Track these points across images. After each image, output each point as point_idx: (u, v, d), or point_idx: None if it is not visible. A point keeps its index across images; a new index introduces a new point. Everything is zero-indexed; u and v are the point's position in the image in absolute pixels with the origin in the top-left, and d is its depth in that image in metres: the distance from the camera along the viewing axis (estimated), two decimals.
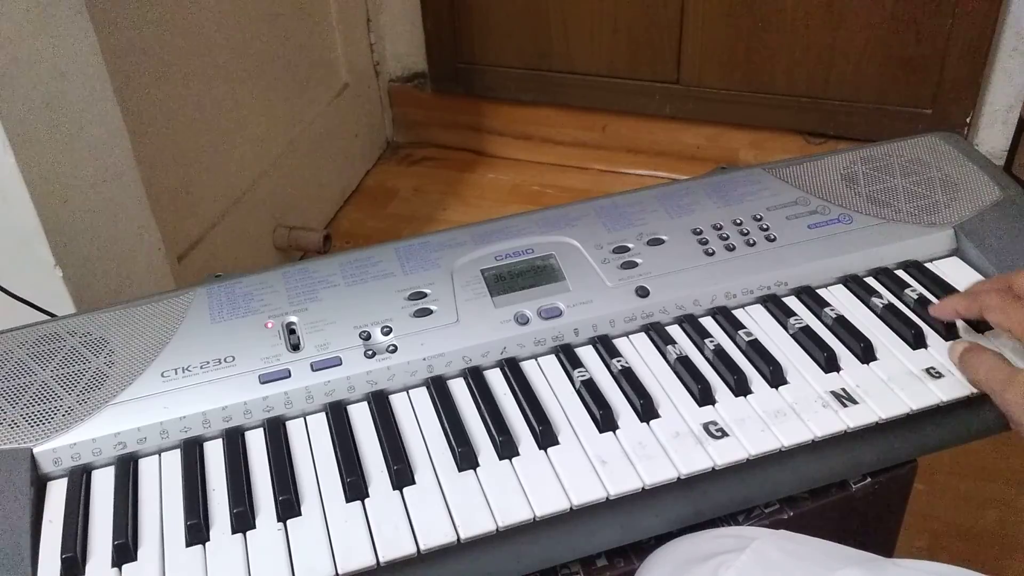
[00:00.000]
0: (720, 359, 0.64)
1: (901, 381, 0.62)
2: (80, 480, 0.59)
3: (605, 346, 0.66)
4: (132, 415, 0.60)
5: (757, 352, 0.64)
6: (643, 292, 0.68)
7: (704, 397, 0.61)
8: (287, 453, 0.60)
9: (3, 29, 0.81)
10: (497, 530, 0.54)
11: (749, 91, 1.68)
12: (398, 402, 0.63)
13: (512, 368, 0.64)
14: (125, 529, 0.55)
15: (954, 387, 0.61)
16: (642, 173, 1.80)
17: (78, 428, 0.60)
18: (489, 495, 0.56)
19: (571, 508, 0.55)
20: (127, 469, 0.59)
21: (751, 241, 0.72)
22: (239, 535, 0.55)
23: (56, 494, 0.58)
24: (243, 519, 0.55)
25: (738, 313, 0.69)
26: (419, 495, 0.56)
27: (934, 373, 0.62)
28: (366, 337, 0.65)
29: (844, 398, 0.61)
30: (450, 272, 0.69)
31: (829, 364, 0.63)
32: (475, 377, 0.64)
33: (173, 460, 0.60)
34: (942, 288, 0.69)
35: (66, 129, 0.90)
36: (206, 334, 0.65)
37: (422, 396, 0.63)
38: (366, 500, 0.56)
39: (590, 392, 0.62)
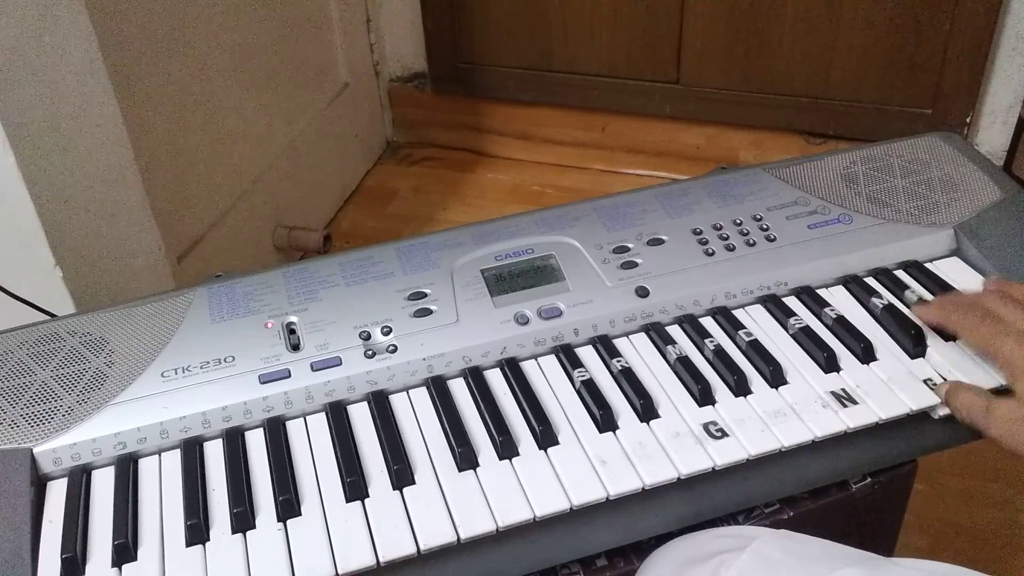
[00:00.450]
0: (720, 359, 0.64)
1: (901, 381, 0.62)
2: (80, 480, 0.59)
3: (605, 346, 0.66)
4: (132, 415, 0.60)
5: (757, 352, 0.64)
6: (643, 292, 0.68)
7: (704, 397, 0.61)
8: (287, 453, 0.60)
9: (3, 29, 0.81)
10: (497, 530, 0.54)
11: (749, 91, 1.68)
12: (398, 402, 0.63)
13: (512, 368, 0.64)
14: (125, 529, 0.55)
15: None
16: (642, 173, 1.80)
17: (78, 428, 0.60)
18: (489, 495, 0.56)
19: (571, 508, 0.55)
20: (127, 469, 0.59)
21: (751, 241, 0.72)
22: (239, 535, 0.55)
23: (56, 494, 0.58)
24: (243, 519, 0.55)
25: (738, 313, 0.69)
26: (419, 495, 0.56)
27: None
28: (366, 337, 0.65)
29: (844, 398, 0.61)
30: (450, 272, 0.69)
31: (829, 364, 0.63)
32: (475, 377, 0.64)
33: (173, 460, 0.60)
34: (942, 288, 0.69)
35: (66, 129, 0.90)
36: (206, 334, 0.65)
37: (422, 396, 0.63)
38: (366, 500, 0.56)
39: (590, 392, 0.62)
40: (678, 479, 0.56)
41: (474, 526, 0.54)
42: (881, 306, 0.68)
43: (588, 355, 0.66)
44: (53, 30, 0.87)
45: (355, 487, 0.57)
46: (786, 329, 0.67)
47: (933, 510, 1.14)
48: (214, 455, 0.60)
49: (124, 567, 0.54)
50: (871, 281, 0.71)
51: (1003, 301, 0.62)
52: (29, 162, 0.86)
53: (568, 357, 0.65)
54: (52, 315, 0.86)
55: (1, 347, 0.65)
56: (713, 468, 0.57)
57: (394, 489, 0.57)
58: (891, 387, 0.62)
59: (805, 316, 0.68)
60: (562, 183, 1.79)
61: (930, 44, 1.54)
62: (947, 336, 0.65)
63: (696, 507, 0.58)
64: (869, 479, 0.62)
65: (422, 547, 0.53)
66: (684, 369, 0.63)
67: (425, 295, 0.68)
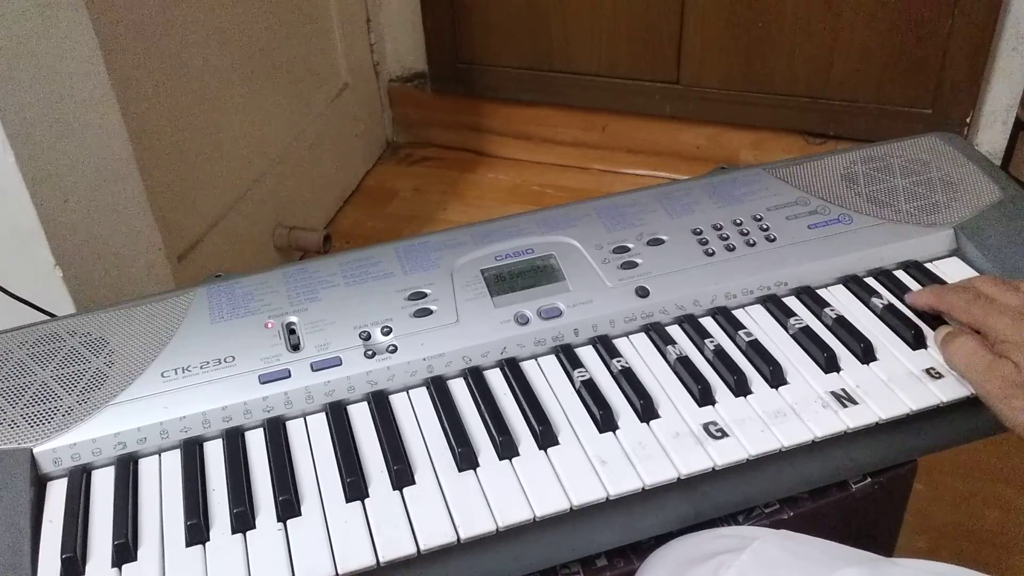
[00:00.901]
0: (720, 359, 0.64)
1: (901, 381, 0.62)
2: (80, 480, 0.59)
3: (605, 346, 0.66)
4: (132, 415, 0.60)
5: (757, 352, 0.64)
6: (643, 292, 0.68)
7: (704, 397, 0.61)
8: (287, 453, 0.60)
9: (3, 29, 0.81)
10: (497, 530, 0.54)
11: (749, 91, 1.68)
12: (398, 402, 0.63)
13: (512, 368, 0.64)
14: (125, 529, 0.55)
15: (954, 387, 0.61)
16: (642, 173, 1.80)
17: (78, 428, 0.60)
18: (489, 495, 0.56)
19: (571, 508, 0.55)
20: (127, 469, 0.59)
21: (751, 241, 0.72)
22: (239, 535, 0.55)
23: (56, 494, 0.58)
24: (243, 519, 0.55)
25: (738, 313, 0.69)
26: (419, 495, 0.56)
27: (934, 373, 0.62)
28: (366, 337, 0.65)
29: (844, 398, 0.61)
30: (450, 272, 0.69)
31: (829, 364, 0.63)
32: (475, 377, 0.64)
33: (173, 460, 0.60)
34: None
35: (66, 129, 0.90)
36: (206, 334, 0.65)
37: (422, 396, 0.63)
38: (366, 500, 0.56)
39: (590, 392, 0.62)
40: (678, 479, 0.56)
41: (474, 526, 0.54)
42: (881, 306, 0.68)
43: (588, 355, 0.66)
44: (53, 30, 0.87)
45: (355, 487, 0.57)
46: (786, 329, 0.67)
47: (933, 510, 1.14)
48: (214, 455, 0.60)
49: (124, 567, 0.54)
50: (871, 281, 0.71)
51: (994, 284, 0.63)
52: (29, 162, 0.86)
53: (568, 357, 0.65)
54: (52, 315, 0.86)
55: (1, 347, 0.65)
56: (713, 468, 0.57)
57: (394, 489, 0.57)
58: (891, 387, 0.62)
59: (805, 316, 0.68)
60: (562, 183, 1.79)
61: (930, 44, 1.54)
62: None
63: (696, 507, 0.58)
64: (869, 479, 0.62)
65: (422, 547, 0.53)
66: (684, 369, 0.63)
67: (425, 295, 0.68)
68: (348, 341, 0.64)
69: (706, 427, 0.59)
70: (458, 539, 0.54)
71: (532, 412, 0.60)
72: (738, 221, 0.73)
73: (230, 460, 0.59)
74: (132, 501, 0.57)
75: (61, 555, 0.54)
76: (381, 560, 0.53)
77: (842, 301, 0.70)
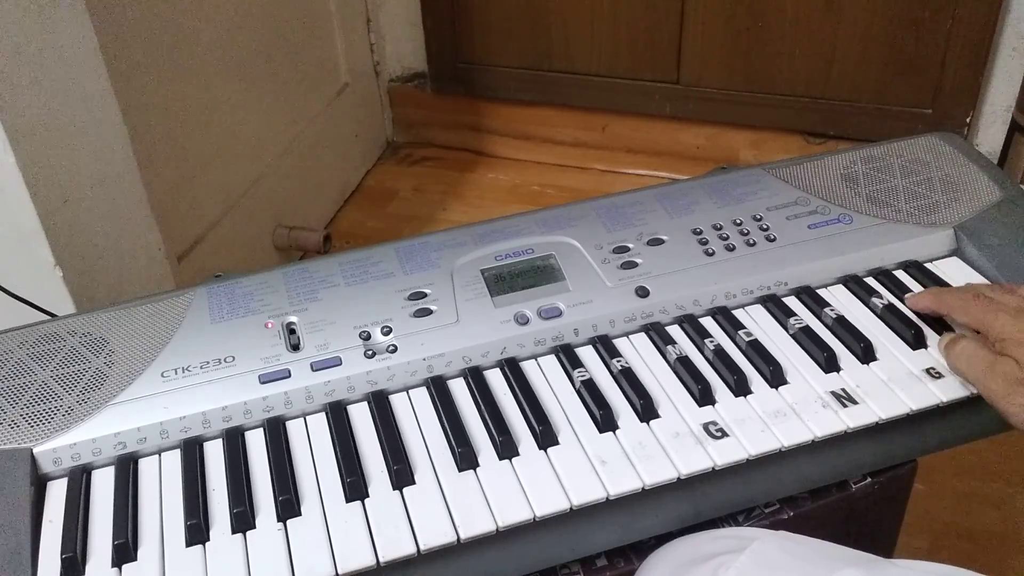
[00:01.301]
0: (720, 359, 0.64)
1: (901, 381, 0.62)
2: (80, 480, 0.59)
3: (605, 346, 0.66)
4: (132, 415, 0.60)
5: (757, 352, 0.64)
6: (643, 292, 0.68)
7: (704, 397, 0.61)
8: (287, 453, 0.60)
9: (3, 29, 0.81)
10: (497, 530, 0.54)
11: (749, 91, 1.68)
12: (398, 402, 0.63)
13: (512, 368, 0.64)
14: (125, 529, 0.55)
15: (954, 387, 0.61)
16: (642, 173, 1.80)
17: (78, 428, 0.60)
18: (489, 495, 0.56)
19: (571, 508, 0.55)
20: (127, 469, 0.59)
21: (751, 241, 0.72)
22: (239, 535, 0.55)
23: (56, 494, 0.58)
24: (243, 519, 0.55)
25: (738, 313, 0.69)
26: (419, 495, 0.56)
27: (934, 373, 0.62)
28: (366, 337, 0.65)
29: (844, 398, 0.61)
30: (450, 272, 0.69)
31: (829, 364, 0.63)
32: (475, 377, 0.64)
33: (173, 460, 0.60)
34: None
35: (66, 129, 0.90)
36: (206, 334, 0.65)
37: (422, 396, 0.63)
38: (366, 500, 0.56)
39: (590, 392, 0.62)
40: (678, 479, 0.56)
41: (474, 526, 0.54)
42: (881, 306, 0.68)
43: (588, 355, 0.66)
44: (53, 30, 0.87)
45: (355, 487, 0.57)
46: (786, 329, 0.67)
47: (933, 510, 1.14)
48: (214, 455, 0.60)
49: (124, 567, 0.54)
50: (871, 281, 0.71)
51: (992, 287, 0.65)
52: (29, 162, 0.86)
53: (568, 357, 0.65)
54: (52, 315, 0.86)
55: (1, 347, 0.65)
56: (713, 468, 0.57)
57: (394, 489, 0.57)
58: (891, 387, 0.62)
59: (805, 316, 0.68)
60: (562, 183, 1.79)
61: (930, 44, 1.54)
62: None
63: (696, 507, 0.58)
64: (869, 479, 0.62)
65: (422, 547, 0.53)
66: (684, 369, 0.63)
67: (425, 295, 0.68)
68: (348, 341, 0.64)
69: (706, 427, 0.59)
70: (458, 539, 0.54)
71: (532, 412, 0.60)
72: (738, 221, 0.73)
73: (230, 460, 0.59)
74: (132, 501, 0.57)
75: (61, 555, 0.54)
76: (381, 560, 0.53)
77: (842, 301, 0.70)
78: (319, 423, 0.62)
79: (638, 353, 0.66)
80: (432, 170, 1.85)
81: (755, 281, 0.70)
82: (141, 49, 1.14)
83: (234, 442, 0.60)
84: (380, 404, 0.62)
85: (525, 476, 0.57)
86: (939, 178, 0.77)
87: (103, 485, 0.59)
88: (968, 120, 1.59)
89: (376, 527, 0.54)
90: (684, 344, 0.66)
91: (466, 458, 0.58)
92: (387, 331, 0.65)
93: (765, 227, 0.73)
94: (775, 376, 0.62)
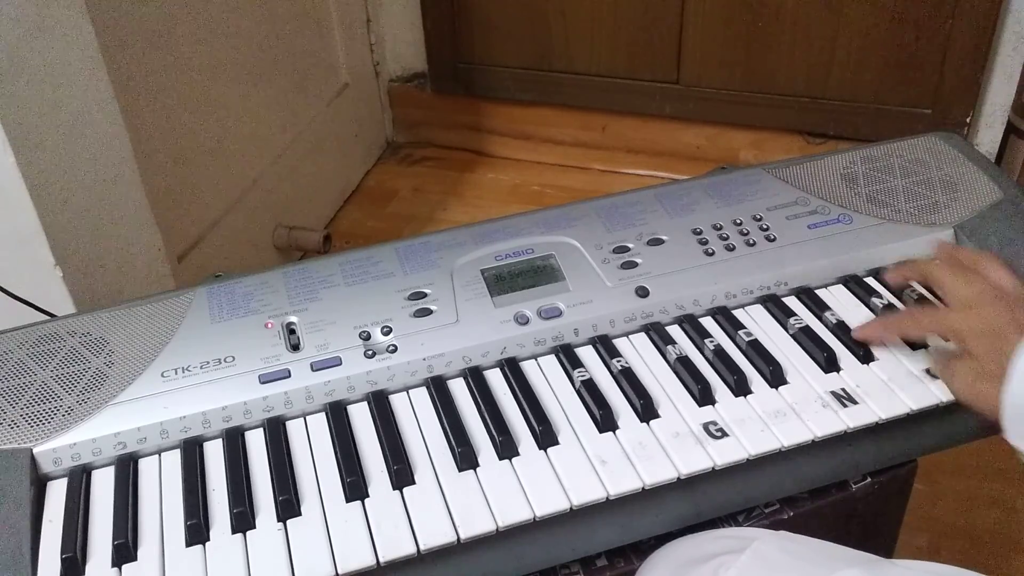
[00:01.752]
0: (720, 359, 0.64)
1: (901, 381, 0.62)
2: (80, 480, 0.59)
3: (605, 346, 0.66)
4: (132, 415, 0.60)
5: (757, 352, 0.64)
6: (643, 292, 0.68)
7: (704, 397, 0.61)
8: (287, 453, 0.60)
9: (3, 29, 0.81)
10: (497, 530, 0.54)
11: (749, 91, 1.68)
12: (398, 402, 0.63)
13: (512, 368, 0.64)
14: (125, 529, 0.55)
15: None
16: (642, 173, 1.80)
17: (78, 428, 0.60)
18: (489, 495, 0.56)
19: (571, 508, 0.55)
20: (127, 469, 0.59)
21: (751, 241, 0.72)
22: (239, 535, 0.55)
23: (56, 494, 0.58)
24: (243, 519, 0.55)
25: (738, 313, 0.69)
26: (419, 495, 0.56)
27: (934, 373, 0.62)
28: (366, 337, 0.65)
29: (844, 398, 0.61)
30: (450, 272, 0.69)
31: (829, 364, 0.63)
32: (475, 377, 0.64)
33: (173, 460, 0.60)
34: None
35: (66, 129, 0.90)
36: (206, 334, 0.65)
37: (422, 396, 0.63)
38: (366, 500, 0.56)
39: (590, 392, 0.62)
40: (678, 479, 0.56)
41: (474, 526, 0.54)
42: (881, 306, 0.68)
43: (588, 355, 0.66)
44: (53, 30, 0.87)
45: (355, 487, 0.57)
46: (786, 329, 0.67)
47: (933, 510, 1.14)
48: (214, 455, 0.60)
49: (124, 567, 0.54)
50: (871, 281, 0.71)
51: (950, 271, 0.64)
52: (29, 162, 0.86)
53: (568, 357, 0.65)
54: (52, 315, 0.86)
55: (1, 347, 0.65)
56: (713, 468, 0.57)
57: (394, 489, 0.57)
58: (891, 387, 0.62)
59: (805, 316, 0.68)
60: (562, 183, 1.79)
61: (930, 44, 1.54)
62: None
63: (696, 507, 0.58)
64: (869, 479, 0.62)
65: (422, 547, 0.53)
66: (684, 369, 0.63)
67: (425, 295, 0.68)
68: (348, 341, 0.64)
69: (706, 427, 0.59)
70: (458, 539, 0.54)
71: (532, 412, 0.60)
72: (738, 221, 0.73)
73: (230, 460, 0.59)
74: (132, 501, 0.57)
75: (61, 555, 0.54)
76: (381, 560, 0.53)
77: (842, 301, 0.70)
78: (319, 423, 0.62)
79: (638, 353, 0.66)
80: (432, 170, 1.85)
81: (755, 281, 0.70)
82: (141, 49, 1.14)
83: (234, 442, 0.60)
84: (380, 404, 0.62)
85: (525, 476, 0.57)
86: (939, 178, 0.77)
87: (103, 485, 0.59)
88: (968, 120, 1.59)
89: (376, 527, 0.54)
90: (684, 344, 0.66)
91: (466, 458, 0.58)
92: (387, 331, 0.65)
93: (765, 227, 0.73)
94: (775, 376, 0.62)
